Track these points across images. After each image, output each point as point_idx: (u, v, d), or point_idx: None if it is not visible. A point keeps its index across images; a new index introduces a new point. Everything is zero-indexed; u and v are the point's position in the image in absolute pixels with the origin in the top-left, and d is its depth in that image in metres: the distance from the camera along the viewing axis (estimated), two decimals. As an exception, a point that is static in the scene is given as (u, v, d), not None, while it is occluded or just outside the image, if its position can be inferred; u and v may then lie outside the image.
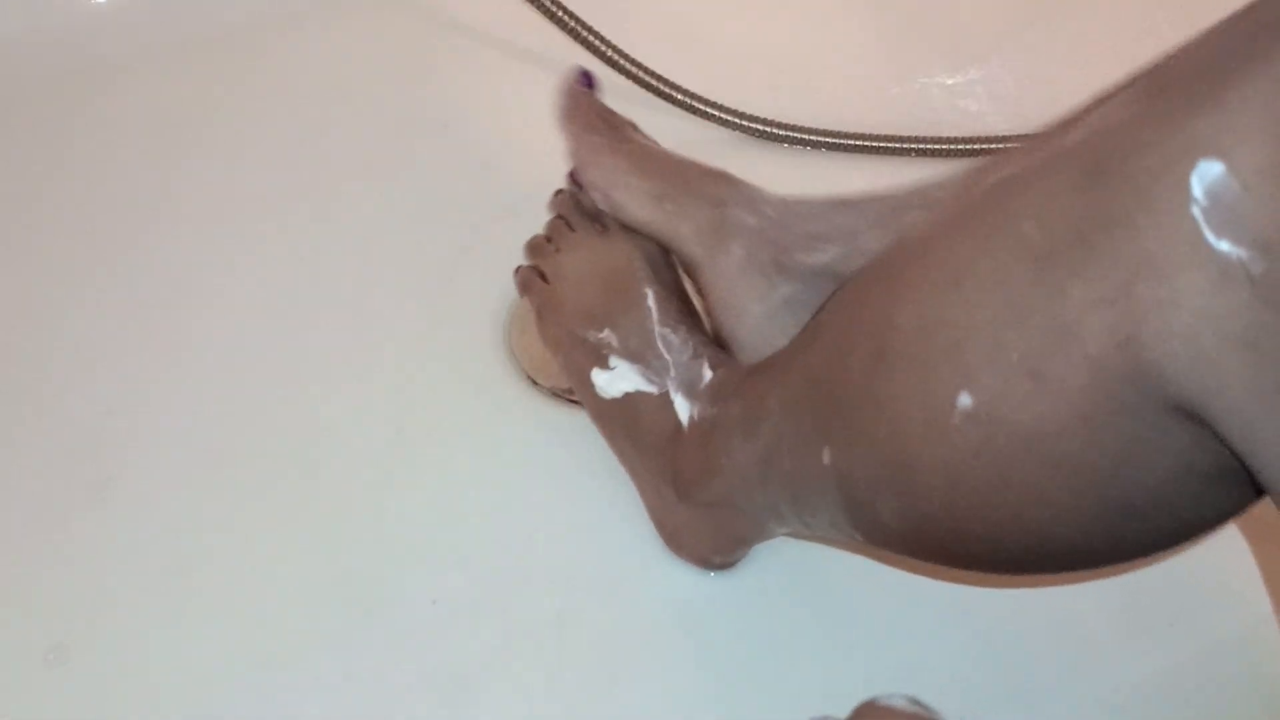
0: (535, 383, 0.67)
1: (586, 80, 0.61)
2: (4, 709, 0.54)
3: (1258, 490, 0.35)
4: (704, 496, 0.54)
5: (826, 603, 0.59)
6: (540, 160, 0.79)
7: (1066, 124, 0.36)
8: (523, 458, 0.64)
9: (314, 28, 0.86)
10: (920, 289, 0.37)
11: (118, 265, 0.72)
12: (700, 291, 0.57)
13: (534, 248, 0.62)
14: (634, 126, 0.62)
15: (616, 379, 0.56)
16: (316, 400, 0.66)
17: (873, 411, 0.39)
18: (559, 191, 0.63)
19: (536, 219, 0.75)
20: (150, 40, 0.84)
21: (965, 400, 0.35)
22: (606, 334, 0.56)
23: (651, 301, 0.56)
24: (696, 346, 0.55)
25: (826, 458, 0.42)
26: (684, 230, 0.55)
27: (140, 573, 0.59)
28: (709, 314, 0.56)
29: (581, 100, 0.60)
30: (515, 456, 0.64)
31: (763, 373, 0.50)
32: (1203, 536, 0.38)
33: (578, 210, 0.60)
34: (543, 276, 0.60)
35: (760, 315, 0.53)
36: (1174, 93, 0.31)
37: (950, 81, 0.83)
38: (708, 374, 0.54)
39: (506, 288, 0.71)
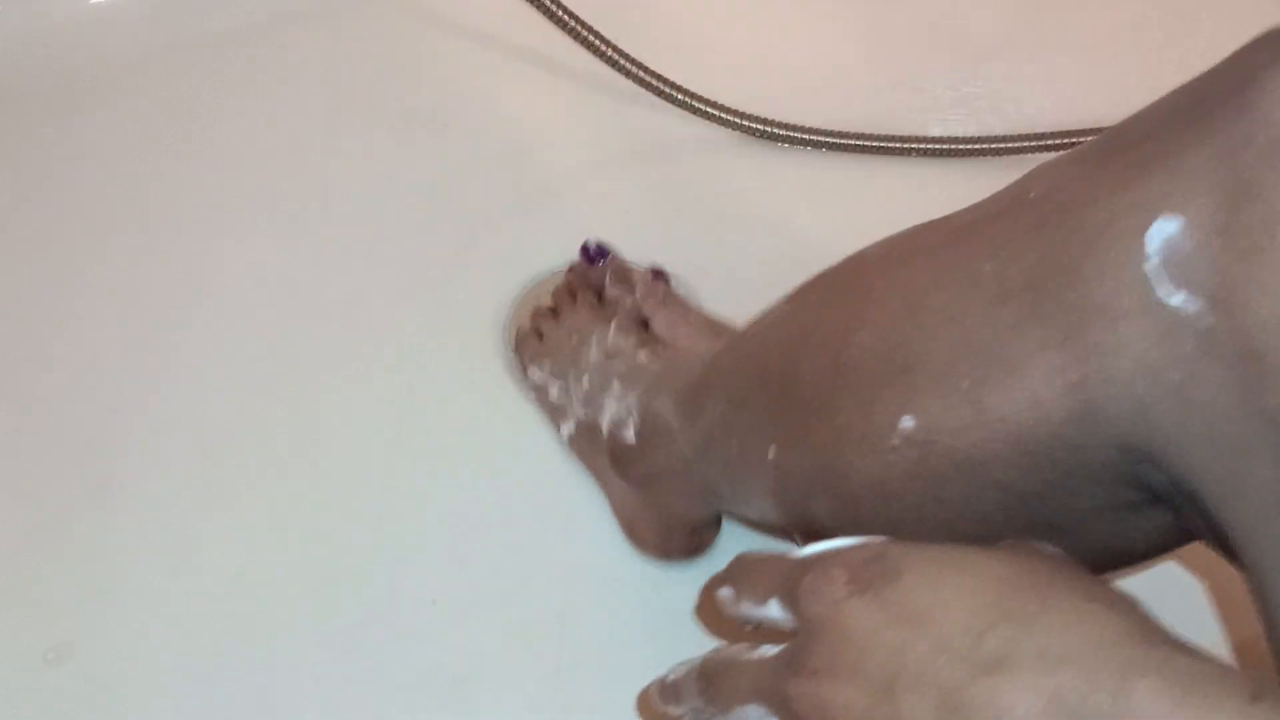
0: (535, 383, 0.67)
1: (599, 252, 0.69)
2: (4, 708, 0.54)
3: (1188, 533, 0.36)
4: (639, 470, 0.56)
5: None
6: (540, 161, 0.79)
7: (1027, 180, 0.37)
8: (522, 458, 0.64)
9: (314, 28, 0.86)
10: (881, 310, 0.38)
11: (118, 264, 0.72)
12: None
13: (537, 313, 0.68)
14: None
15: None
16: (316, 401, 0.66)
17: (818, 418, 0.40)
18: (571, 268, 0.69)
19: (536, 219, 0.75)
20: (150, 40, 0.84)
21: (907, 422, 0.36)
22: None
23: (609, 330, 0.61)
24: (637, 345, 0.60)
25: (771, 454, 0.43)
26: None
27: (140, 572, 0.59)
28: None
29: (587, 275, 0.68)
30: (515, 457, 0.64)
31: (711, 360, 0.52)
32: (1127, 566, 0.39)
33: (584, 283, 0.67)
34: (539, 336, 0.66)
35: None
36: (1127, 154, 0.32)
37: (950, 82, 0.83)
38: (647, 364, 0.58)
39: (506, 288, 0.72)
